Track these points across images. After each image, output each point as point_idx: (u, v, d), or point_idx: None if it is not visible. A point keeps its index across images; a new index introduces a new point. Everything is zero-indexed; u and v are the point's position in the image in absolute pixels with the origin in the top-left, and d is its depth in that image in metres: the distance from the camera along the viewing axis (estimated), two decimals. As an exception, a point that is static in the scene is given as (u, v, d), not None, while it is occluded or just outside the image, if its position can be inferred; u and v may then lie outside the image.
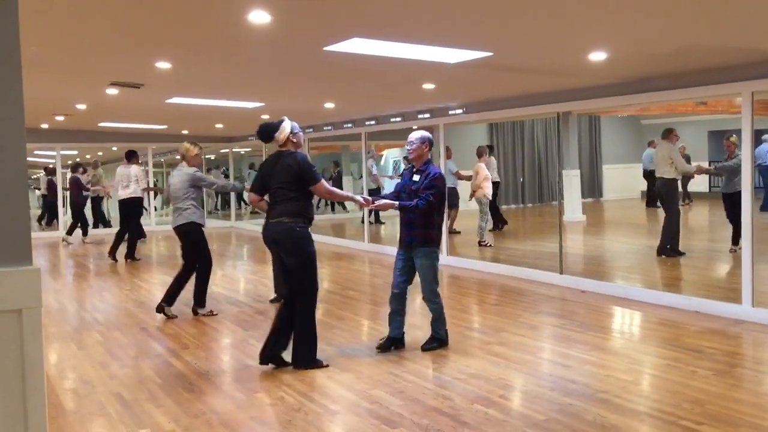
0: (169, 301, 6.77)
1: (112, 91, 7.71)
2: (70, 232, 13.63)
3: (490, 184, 11.03)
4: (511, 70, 6.33)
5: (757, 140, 14.74)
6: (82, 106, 9.63)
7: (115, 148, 18.31)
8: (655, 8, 4.13)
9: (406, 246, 5.29)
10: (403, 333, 5.41)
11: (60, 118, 11.57)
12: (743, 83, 5.92)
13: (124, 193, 10.64)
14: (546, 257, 9.29)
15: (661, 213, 9.29)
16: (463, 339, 5.68)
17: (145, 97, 8.33)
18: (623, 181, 19.89)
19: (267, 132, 5.01)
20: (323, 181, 5.06)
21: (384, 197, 5.54)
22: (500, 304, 7.18)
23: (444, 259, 9.81)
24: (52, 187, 16.02)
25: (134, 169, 10.62)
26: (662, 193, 8.83)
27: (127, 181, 10.59)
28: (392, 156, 21.41)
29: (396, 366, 4.97)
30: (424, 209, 5.09)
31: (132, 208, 10.79)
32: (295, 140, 5.05)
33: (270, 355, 4.97)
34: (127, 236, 10.82)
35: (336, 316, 6.68)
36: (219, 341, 5.95)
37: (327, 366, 4.96)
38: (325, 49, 5.16)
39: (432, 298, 5.30)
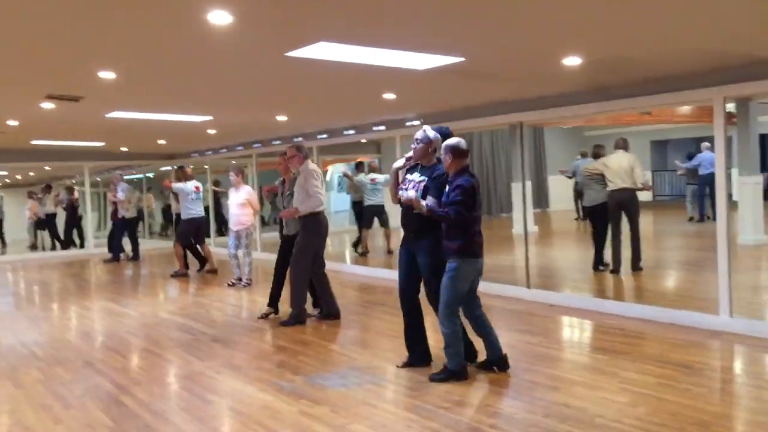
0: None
1: (48, 105, 7.14)
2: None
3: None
4: (480, 77, 6.06)
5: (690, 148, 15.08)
6: (14, 123, 8.95)
7: (48, 168, 17.45)
8: (630, 10, 3.93)
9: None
10: (495, 356, 4.98)
11: (-12, 136, 10.80)
12: (715, 89, 5.80)
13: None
14: (505, 270, 9.06)
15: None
16: (439, 362, 5.33)
17: (84, 112, 7.76)
18: (569, 191, 19.98)
19: None
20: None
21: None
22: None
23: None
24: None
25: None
26: (632, 205, 8.47)
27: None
28: (337, 171, 21.07)
29: (372, 396, 4.59)
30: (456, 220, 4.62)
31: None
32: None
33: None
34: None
35: (299, 341, 6.25)
36: (174, 374, 5.45)
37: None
38: (286, 54, 4.77)
39: (443, 321, 4.77)
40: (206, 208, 11.38)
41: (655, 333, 5.98)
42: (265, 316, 7.24)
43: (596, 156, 9.06)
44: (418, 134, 4.93)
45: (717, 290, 5.97)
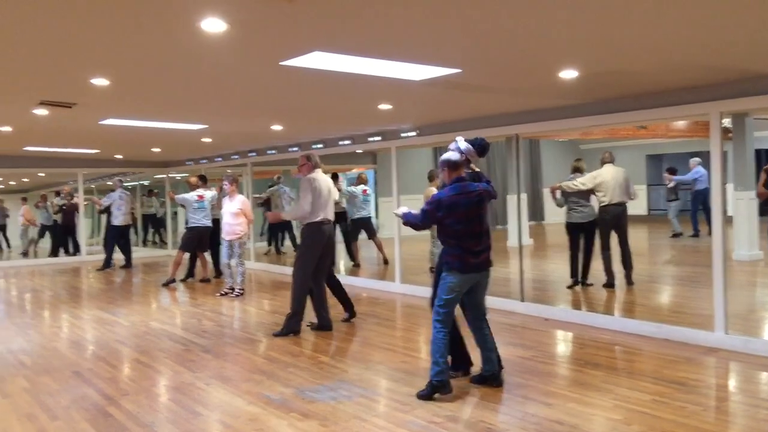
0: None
1: (41, 112, 7.08)
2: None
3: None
4: (477, 89, 6.03)
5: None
6: (6, 129, 8.89)
7: (42, 174, 17.37)
8: (627, 24, 3.91)
9: None
10: (489, 371, 4.95)
11: (-19, 142, 10.73)
12: (711, 103, 5.78)
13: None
14: (500, 283, 8.99)
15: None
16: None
17: (77, 119, 7.71)
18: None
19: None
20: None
21: None
22: (463, 335, 6.80)
23: (396, 286, 9.47)
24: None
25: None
26: (625, 219, 8.42)
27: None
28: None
29: (363, 409, 4.53)
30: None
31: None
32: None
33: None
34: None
35: (290, 352, 6.18)
36: (163, 385, 5.38)
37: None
38: (281, 63, 4.74)
39: (433, 320, 4.79)
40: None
41: (650, 349, 5.93)
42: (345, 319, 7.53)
43: (577, 170, 8.75)
44: (451, 146, 4.98)
45: (712, 306, 5.93)
